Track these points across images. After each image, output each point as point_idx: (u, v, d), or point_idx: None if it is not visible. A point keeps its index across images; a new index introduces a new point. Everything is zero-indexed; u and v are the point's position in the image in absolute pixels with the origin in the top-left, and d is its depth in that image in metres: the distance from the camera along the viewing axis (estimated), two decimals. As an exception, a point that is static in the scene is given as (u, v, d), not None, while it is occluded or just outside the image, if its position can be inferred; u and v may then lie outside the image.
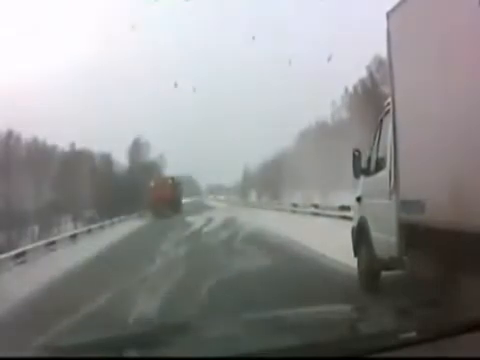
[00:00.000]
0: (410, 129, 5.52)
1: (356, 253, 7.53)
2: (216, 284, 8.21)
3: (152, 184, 44.12)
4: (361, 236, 7.19)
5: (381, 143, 6.75)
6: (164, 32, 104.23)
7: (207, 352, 1.89)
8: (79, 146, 54.46)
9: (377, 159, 6.86)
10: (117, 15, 76.24)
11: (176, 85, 47.52)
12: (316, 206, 26.14)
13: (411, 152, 5.48)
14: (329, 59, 39.15)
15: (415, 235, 5.31)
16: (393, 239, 5.77)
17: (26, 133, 47.93)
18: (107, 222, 31.48)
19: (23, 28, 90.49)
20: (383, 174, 6.37)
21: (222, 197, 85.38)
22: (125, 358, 1.98)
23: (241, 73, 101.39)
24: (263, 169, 67.54)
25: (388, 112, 6.33)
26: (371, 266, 6.85)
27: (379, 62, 37.71)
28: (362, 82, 41.07)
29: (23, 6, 79.56)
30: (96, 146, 54.08)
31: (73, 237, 21.54)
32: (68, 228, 43.18)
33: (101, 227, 28.55)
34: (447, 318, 2.11)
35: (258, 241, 15.29)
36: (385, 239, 6.15)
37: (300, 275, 8.66)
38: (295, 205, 31.05)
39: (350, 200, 33.41)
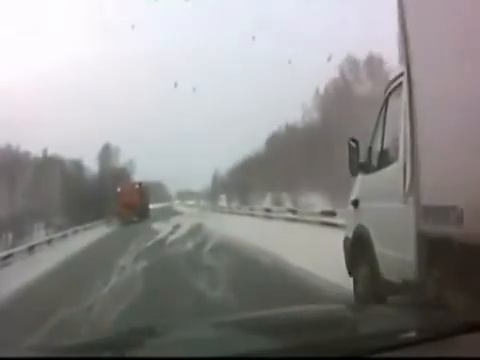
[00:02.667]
0: (435, 107, 3.90)
1: (351, 271, 5.91)
2: (172, 307, 6.93)
3: (119, 190, 43.02)
4: (359, 251, 5.55)
5: (388, 129, 5.09)
6: (164, 32, 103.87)
7: (204, 352, 1.79)
8: (50, 151, 53.03)
9: (382, 150, 5.17)
10: (117, 15, 74.60)
11: (176, 85, 45.35)
12: (293, 211, 23.58)
13: (438, 139, 3.88)
14: (329, 59, 37.87)
15: (443, 253, 3.72)
16: (410, 257, 4.17)
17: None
18: (70, 230, 30.30)
19: (21, 28, 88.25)
20: (393, 170, 4.68)
21: (191, 202, 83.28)
22: (123, 358, 1.90)
23: (241, 73, 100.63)
24: (232, 173, 66.02)
25: (398, 87, 4.71)
26: (374, 290, 5.20)
27: (353, 62, 36.64)
28: (334, 82, 39.64)
29: (21, 5, 78.08)
30: (67, 151, 52.45)
31: (31, 249, 20.43)
32: (40, 235, 41.51)
33: (64, 236, 27.38)
34: (447, 318, 2.08)
35: (228, 253, 13.04)
36: (397, 257, 4.53)
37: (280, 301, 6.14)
38: (268, 210, 28.67)
39: (322, 203, 31.80)
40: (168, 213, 48.84)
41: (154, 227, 28.55)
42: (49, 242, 23.90)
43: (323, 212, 18.22)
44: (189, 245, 16.33)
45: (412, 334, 1.81)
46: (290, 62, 44.30)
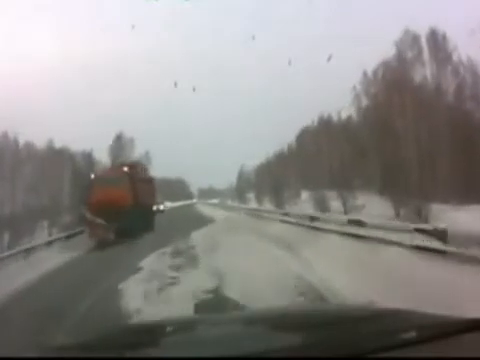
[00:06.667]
0: None
1: None
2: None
3: (92, 177, 23.24)
4: None
5: None
6: (164, 32, 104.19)
7: (207, 352, 1.85)
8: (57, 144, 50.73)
9: None
10: (117, 15, 73.06)
11: (176, 85, 41.80)
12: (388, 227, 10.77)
13: None
14: (329, 59, 35.54)
15: None
16: None
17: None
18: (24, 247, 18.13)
19: (18, 28, 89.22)
20: None
21: (215, 201, 76.66)
22: (125, 358, 1.98)
23: (241, 72, 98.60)
24: (261, 170, 60.19)
25: None
26: None
27: (413, 38, 30.64)
28: (385, 64, 33.53)
29: (20, 4, 76.85)
30: (90, 145, 49.84)
31: None
32: (43, 235, 38.27)
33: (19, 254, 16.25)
34: (447, 318, 2.09)
35: None
36: None
37: None
38: (313, 219, 16.07)
39: (380, 206, 24.40)
40: (189, 219, 32.32)
41: (147, 274, 11.39)
42: None
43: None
44: None
45: (412, 334, 1.78)
46: (290, 63, 42.97)
